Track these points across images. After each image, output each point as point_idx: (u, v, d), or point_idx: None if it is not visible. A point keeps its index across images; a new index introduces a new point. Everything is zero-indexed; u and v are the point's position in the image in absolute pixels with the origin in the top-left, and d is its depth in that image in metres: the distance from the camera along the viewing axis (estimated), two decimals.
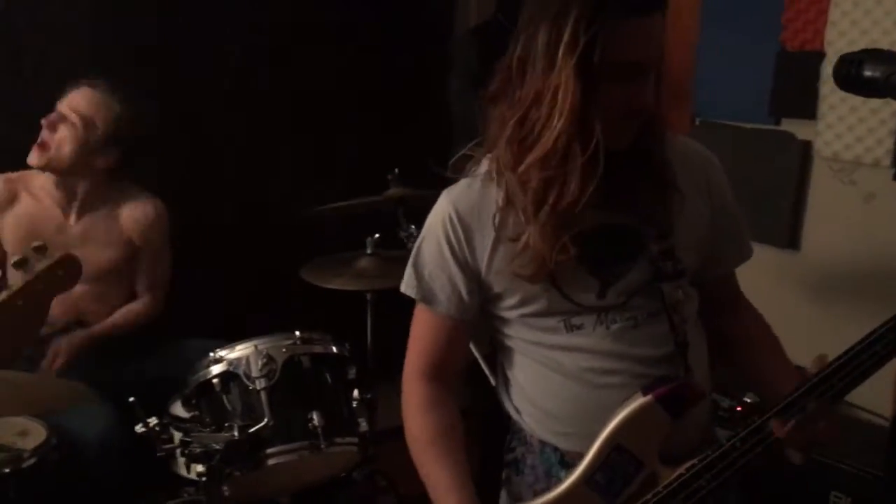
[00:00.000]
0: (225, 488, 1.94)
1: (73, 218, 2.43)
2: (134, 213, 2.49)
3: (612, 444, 1.38)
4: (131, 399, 1.82)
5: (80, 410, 2.15)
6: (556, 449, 1.47)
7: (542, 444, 1.49)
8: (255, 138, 3.10)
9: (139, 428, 1.83)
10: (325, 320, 2.33)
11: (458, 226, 1.42)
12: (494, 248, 1.41)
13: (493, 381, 2.07)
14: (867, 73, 0.89)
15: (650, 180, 1.39)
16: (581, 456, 1.42)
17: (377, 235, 2.59)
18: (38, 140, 2.34)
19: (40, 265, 0.98)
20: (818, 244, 2.61)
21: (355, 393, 2.19)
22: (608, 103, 1.30)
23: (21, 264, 1.00)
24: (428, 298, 1.47)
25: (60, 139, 2.34)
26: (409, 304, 1.53)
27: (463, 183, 1.45)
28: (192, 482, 2.08)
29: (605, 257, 1.41)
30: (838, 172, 2.52)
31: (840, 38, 2.44)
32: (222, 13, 3.01)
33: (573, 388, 1.43)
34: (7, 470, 1.92)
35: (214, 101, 3.02)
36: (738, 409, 2.41)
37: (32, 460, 1.97)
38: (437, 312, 1.48)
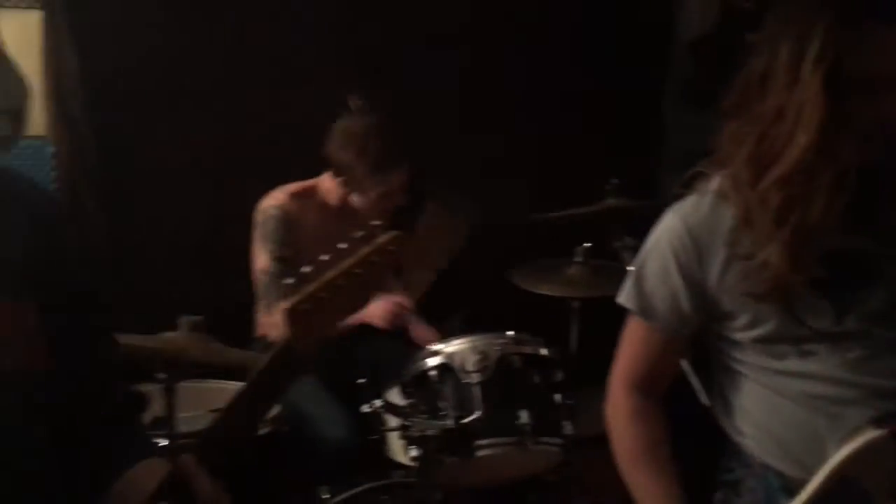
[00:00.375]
0: (439, 475, 2.05)
1: None
2: None
3: (839, 476, 1.34)
4: (361, 381, 1.97)
5: (306, 388, 2.36)
6: (779, 474, 1.44)
7: (765, 468, 1.46)
8: (475, 145, 3.22)
9: (365, 408, 1.98)
10: (530, 325, 2.42)
11: (687, 242, 1.42)
12: (726, 266, 1.40)
13: (704, 400, 2.05)
14: None
15: (893, 201, 1.34)
16: (804, 483, 1.38)
17: (587, 244, 2.64)
18: None
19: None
20: None
21: (557, 398, 2.25)
22: (860, 118, 1.26)
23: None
24: (647, 312, 1.48)
25: None
26: (613, 314, 1.56)
27: (692, 199, 1.45)
28: (400, 466, 2.22)
29: (841, 281, 1.36)
30: None
31: None
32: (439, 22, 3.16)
33: (803, 414, 1.40)
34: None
35: (446, 111, 3.18)
36: None
37: (267, 429, 2.18)
38: (654, 326, 1.49)
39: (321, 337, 1.04)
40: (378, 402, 1.98)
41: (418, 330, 2.65)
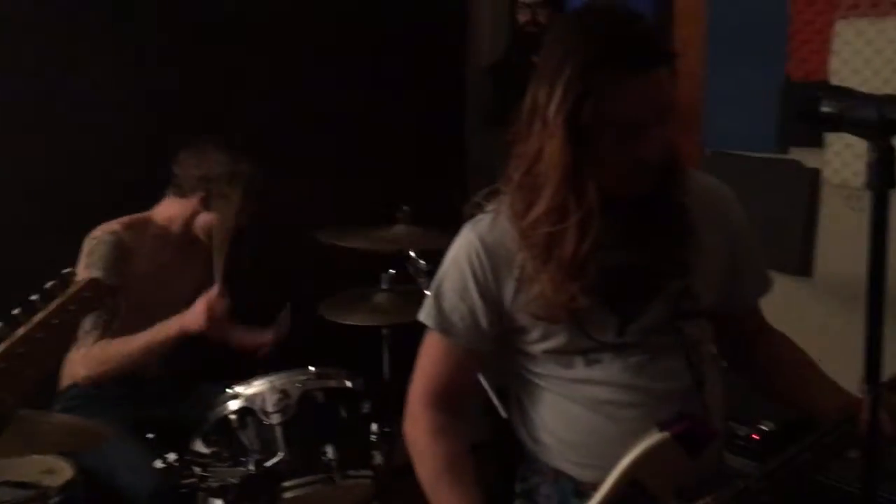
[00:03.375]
0: None
1: None
2: None
3: (628, 479, 1.39)
4: (150, 435, 1.88)
5: (108, 450, 2.21)
6: (571, 479, 1.49)
7: (558, 473, 1.50)
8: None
9: (158, 463, 1.88)
10: (342, 356, 2.39)
11: (484, 258, 1.45)
12: (519, 285, 1.44)
13: (503, 413, 2.11)
14: (825, 109, 0.93)
15: (670, 222, 1.41)
16: (596, 486, 1.42)
17: (392, 271, 2.65)
18: None
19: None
20: (830, 270, 2.61)
21: (374, 427, 2.24)
22: (609, 159, 1.33)
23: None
24: (446, 328, 1.50)
25: None
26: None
27: (488, 216, 1.48)
28: None
29: (625, 296, 1.43)
30: (847, 199, 2.53)
31: (844, 67, 2.47)
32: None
33: (592, 419, 1.45)
34: None
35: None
36: (754, 437, 2.40)
37: (57, 498, 2.02)
38: (453, 342, 1.50)
39: (22, 392, 0.99)
40: (172, 456, 1.88)
41: (244, 338, 2.58)
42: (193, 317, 2.33)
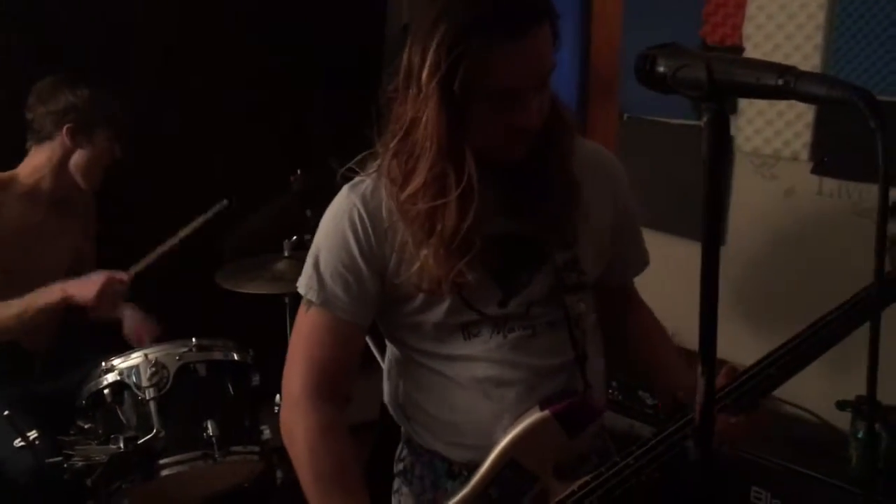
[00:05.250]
0: (126, 502, 1.90)
1: None
2: None
3: (507, 459, 1.35)
4: (6, 413, 1.77)
5: None
6: (444, 459, 1.44)
7: (431, 453, 1.45)
8: (165, 141, 2.99)
9: (17, 442, 1.78)
10: (243, 327, 2.29)
11: (367, 221, 1.34)
12: (401, 254, 1.34)
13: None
14: (659, 69, 0.86)
15: (555, 189, 1.35)
16: (469, 466, 1.40)
17: (294, 238, 2.55)
18: None
19: None
20: (742, 237, 2.58)
21: (277, 398, 2.15)
22: (485, 128, 1.25)
23: None
24: (330, 301, 1.37)
25: None
26: None
27: (368, 179, 1.37)
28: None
29: (510, 266, 1.37)
30: (760, 167, 2.49)
31: (757, 32, 2.41)
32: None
33: (466, 397, 1.39)
34: None
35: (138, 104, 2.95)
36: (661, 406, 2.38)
37: None
38: (339, 317, 1.37)
39: None
40: (33, 434, 1.78)
41: (132, 320, 2.41)
42: (85, 287, 2.16)
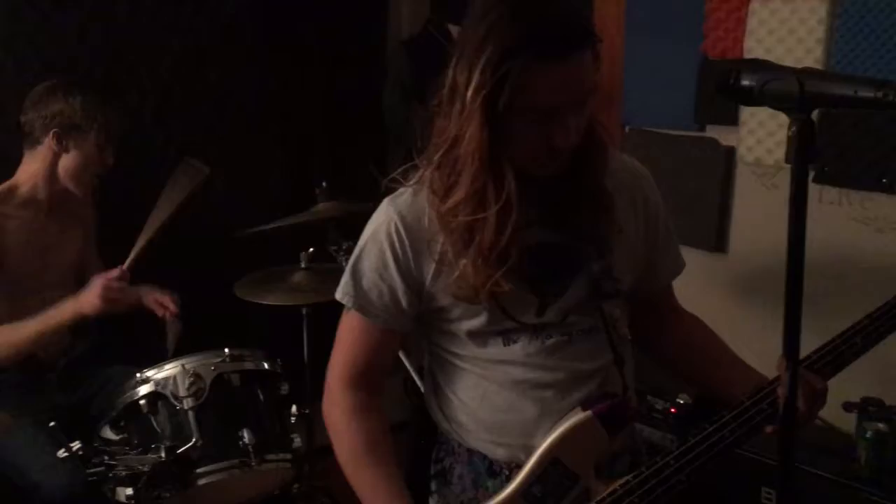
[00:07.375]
0: None
1: None
2: None
3: (551, 458, 1.39)
4: (52, 423, 1.78)
5: (12, 446, 2.10)
6: (484, 457, 1.48)
7: (471, 452, 1.49)
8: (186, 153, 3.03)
9: (61, 453, 1.79)
10: (262, 337, 2.32)
11: (404, 235, 1.40)
12: (439, 266, 1.40)
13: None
14: (745, 83, 0.92)
15: (589, 201, 1.40)
16: (509, 465, 1.44)
17: (311, 249, 2.58)
18: None
19: None
20: (744, 247, 2.67)
21: (293, 409, 2.19)
22: (524, 144, 1.30)
23: None
24: (364, 308, 1.44)
25: None
26: None
27: (408, 192, 1.42)
28: None
29: (546, 276, 1.41)
30: (761, 177, 2.58)
31: (758, 46, 2.51)
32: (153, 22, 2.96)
33: (507, 397, 1.44)
34: None
35: (142, 114, 2.97)
36: (672, 410, 2.45)
37: None
38: (372, 322, 1.45)
39: None
40: (76, 445, 1.79)
41: (150, 295, 2.41)
42: (88, 298, 2.17)
